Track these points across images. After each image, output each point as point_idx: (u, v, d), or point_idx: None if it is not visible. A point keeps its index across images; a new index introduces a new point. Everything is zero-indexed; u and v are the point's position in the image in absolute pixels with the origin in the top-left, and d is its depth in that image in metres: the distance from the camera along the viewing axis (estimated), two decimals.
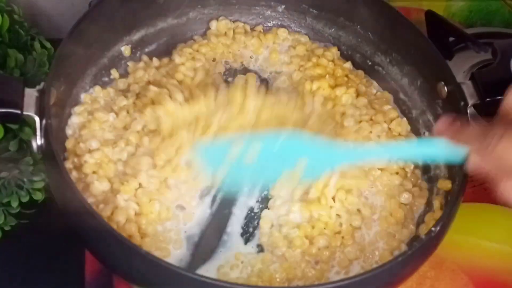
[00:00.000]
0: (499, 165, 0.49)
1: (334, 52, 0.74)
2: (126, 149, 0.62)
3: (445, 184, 0.63)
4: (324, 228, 0.61)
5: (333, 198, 0.62)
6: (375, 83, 0.73)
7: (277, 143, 0.59)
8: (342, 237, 0.61)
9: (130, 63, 0.70)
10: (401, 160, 0.65)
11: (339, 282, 0.52)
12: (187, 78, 0.68)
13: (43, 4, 0.80)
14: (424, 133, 0.69)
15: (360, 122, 0.68)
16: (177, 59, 0.71)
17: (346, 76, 0.72)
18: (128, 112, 0.65)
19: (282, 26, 0.76)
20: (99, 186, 0.60)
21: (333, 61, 0.73)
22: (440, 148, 0.53)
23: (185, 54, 0.71)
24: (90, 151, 0.61)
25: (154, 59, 0.71)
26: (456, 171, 0.62)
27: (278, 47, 0.74)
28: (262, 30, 0.75)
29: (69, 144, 0.62)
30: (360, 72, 0.74)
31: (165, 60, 0.72)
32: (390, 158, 0.64)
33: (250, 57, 0.74)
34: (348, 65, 0.73)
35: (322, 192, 0.62)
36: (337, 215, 0.62)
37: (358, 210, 0.63)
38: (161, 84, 0.66)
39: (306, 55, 0.73)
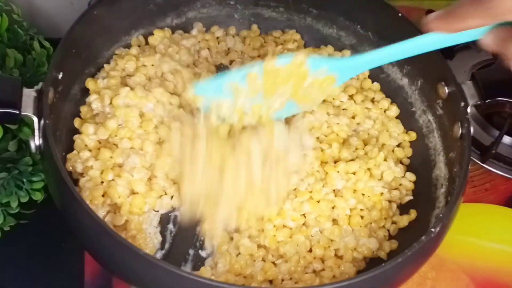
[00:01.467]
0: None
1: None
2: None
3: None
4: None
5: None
6: None
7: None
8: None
9: (118, 51, 0.70)
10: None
11: (339, 283, 0.51)
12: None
13: (42, 4, 0.80)
14: (425, 133, 0.69)
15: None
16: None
17: None
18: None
19: (282, 25, 0.76)
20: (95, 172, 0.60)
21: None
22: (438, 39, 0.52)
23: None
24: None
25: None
26: (456, 171, 0.62)
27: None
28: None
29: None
30: None
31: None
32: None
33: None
34: None
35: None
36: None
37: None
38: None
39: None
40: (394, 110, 0.71)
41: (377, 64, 0.60)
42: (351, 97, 0.72)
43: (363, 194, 0.64)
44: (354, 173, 0.65)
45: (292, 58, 0.58)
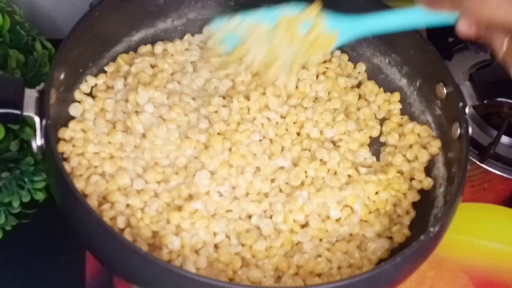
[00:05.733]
0: (482, 20, 0.50)
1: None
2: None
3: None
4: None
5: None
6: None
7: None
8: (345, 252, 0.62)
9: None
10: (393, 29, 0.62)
11: (338, 282, 0.52)
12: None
13: (44, 5, 0.80)
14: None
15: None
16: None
17: None
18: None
19: None
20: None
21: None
22: (425, 14, 0.56)
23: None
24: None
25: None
26: (455, 171, 0.62)
27: None
28: None
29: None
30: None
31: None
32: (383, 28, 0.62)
33: None
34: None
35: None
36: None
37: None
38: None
39: None
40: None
41: (380, 30, 0.61)
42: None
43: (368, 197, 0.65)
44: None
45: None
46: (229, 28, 0.61)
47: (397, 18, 0.60)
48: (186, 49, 0.72)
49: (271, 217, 0.62)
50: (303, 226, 0.62)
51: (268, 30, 0.60)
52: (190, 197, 0.61)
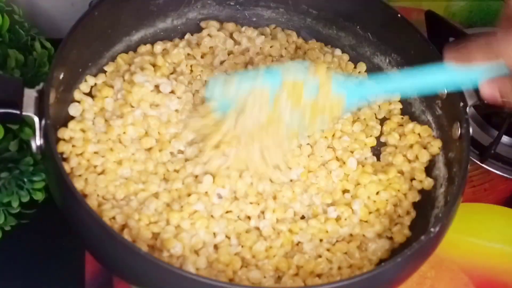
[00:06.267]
0: None
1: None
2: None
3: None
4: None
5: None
6: None
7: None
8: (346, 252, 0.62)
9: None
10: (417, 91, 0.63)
11: (339, 282, 0.52)
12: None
13: (43, 4, 0.80)
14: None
15: None
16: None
17: None
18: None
19: (282, 26, 0.76)
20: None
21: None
22: (453, 74, 0.55)
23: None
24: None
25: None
26: (455, 171, 0.62)
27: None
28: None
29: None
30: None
31: None
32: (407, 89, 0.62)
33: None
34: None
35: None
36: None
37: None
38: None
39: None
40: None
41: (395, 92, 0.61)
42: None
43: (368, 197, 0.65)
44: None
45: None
46: (228, 95, 0.59)
47: (412, 81, 0.59)
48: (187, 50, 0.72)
49: (270, 218, 0.62)
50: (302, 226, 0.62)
51: (270, 94, 0.58)
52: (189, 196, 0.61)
